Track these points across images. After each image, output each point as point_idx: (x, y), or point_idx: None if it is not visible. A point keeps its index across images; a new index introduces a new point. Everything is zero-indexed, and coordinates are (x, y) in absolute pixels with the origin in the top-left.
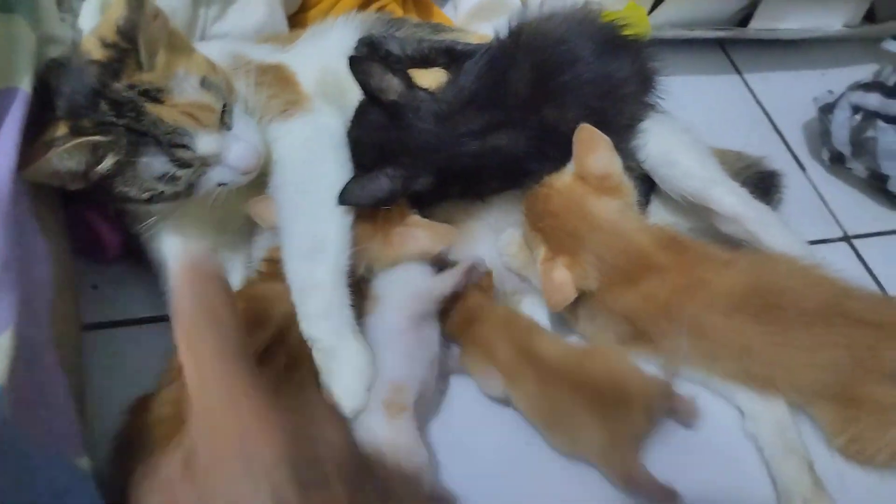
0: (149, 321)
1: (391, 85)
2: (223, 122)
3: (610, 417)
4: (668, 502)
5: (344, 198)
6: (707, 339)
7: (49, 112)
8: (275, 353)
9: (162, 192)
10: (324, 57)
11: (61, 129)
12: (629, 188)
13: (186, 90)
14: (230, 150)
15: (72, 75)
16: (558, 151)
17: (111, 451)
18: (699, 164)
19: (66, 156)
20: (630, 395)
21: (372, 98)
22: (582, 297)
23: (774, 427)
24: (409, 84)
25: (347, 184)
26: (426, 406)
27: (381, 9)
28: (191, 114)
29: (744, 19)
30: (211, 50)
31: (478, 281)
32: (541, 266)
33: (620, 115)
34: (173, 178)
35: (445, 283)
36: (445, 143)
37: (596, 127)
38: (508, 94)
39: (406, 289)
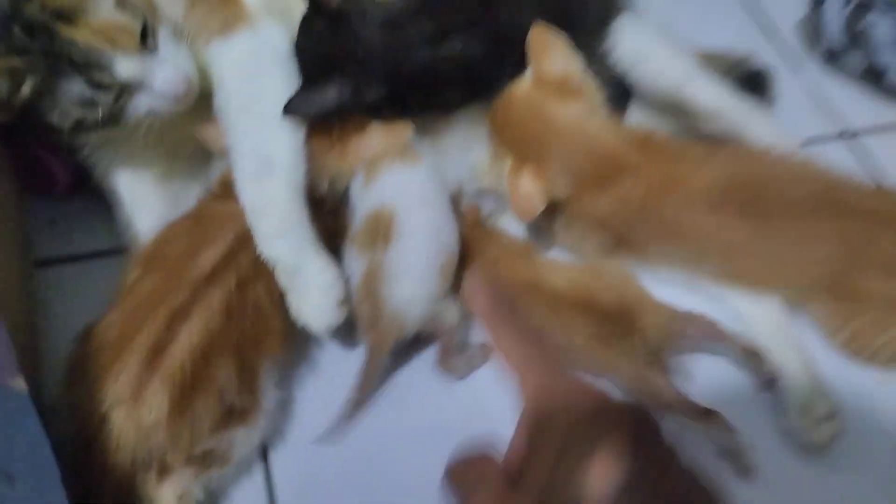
0: (105, 254)
1: None
2: (145, 44)
3: (625, 341)
4: (709, 421)
5: (289, 108)
6: (689, 238)
7: None
8: (225, 273)
9: (84, 119)
10: None
11: None
12: (593, 89)
13: (100, 11)
14: (155, 75)
15: None
16: (517, 56)
17: (63, 378)
18: (674, 58)
19: None
20: (640, 316)
21: (316, 7)
22: (557, 207)
23: (771, 327)
24: None
25: (293, 95)
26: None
27: None
28: (106, 35)
29: None
30: None
31: (464, 214)
32: (507, 178)
33: (585, 14)
34: (91, 102)
35: None
36: (395, 50)
37: (559, 29)
38: None
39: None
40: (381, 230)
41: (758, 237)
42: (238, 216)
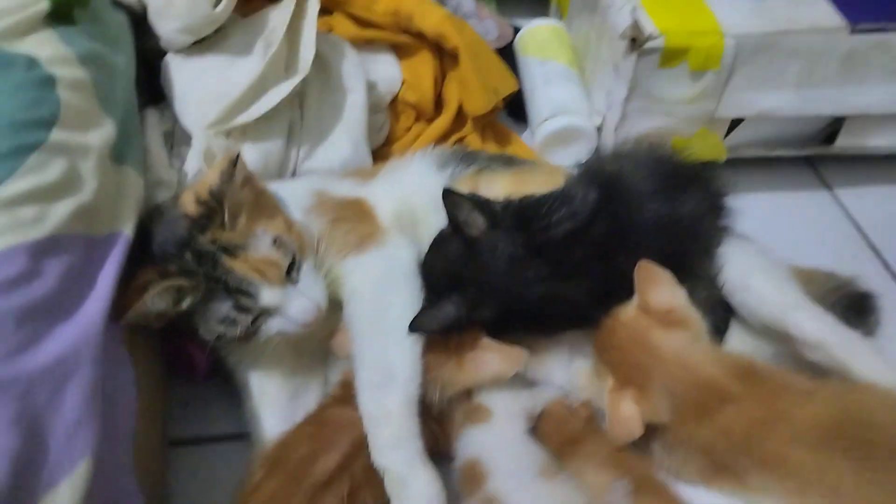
0: (233, 438)
1: (476, 222)
2: (290, 277)
3: None
4: None
5: (414, 326)
6: (791, 475)
7: (141, 252)
8: (340, 480)
9: (224, 334)
10: (401, 190)
11: (151, 274)
12: (697, 319)
13: (260, 248)
14: (291, 305)
15: (167, 224)
16: (625, 293)
17: None
18: (776, 288)
19: (157, 298)
20: None
21: (456, 229)
22: (656, 431)
23: None
24: (494, 223)
25: (417, 315)
26: None
27: (459, 140)
28: (259, 269)
29: (829, 136)
30: (297, 187)
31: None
32: (607, 397)
33: (695, 250)
34: (233, 322)
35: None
36: (512, 283)
37: (673, 266)
38: (583, 244)
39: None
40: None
41: (864, 482)
42: (356, 422)
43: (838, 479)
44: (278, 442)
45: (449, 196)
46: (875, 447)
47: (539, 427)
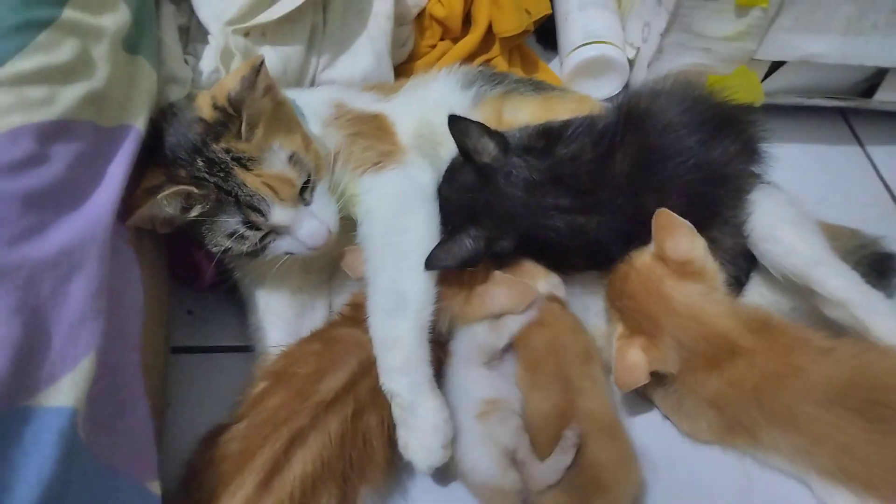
0: (234, 350)
1: (486, 147)
2: (303, 197)
3: None
4: None
5: (430, 263)
6: (802, 431)
7: (151, 154)
8: (345, 400)
9: (230, 248)
10: (423, 108)
11: (159, 177)
12: (714, 271)
13: (275, 163)
14: (302, 226)
15: (180, 127)
16: (648, 236)
17: (181, 480)
18: (803, 241)
19: (165, 202)
20: None
21: (466, 157)
22: (666, 381)
23: None
24: (505, 148)
25: (433, 249)
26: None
27: (486, 62)
28: (271, 185)
29: (868, 90)
30: (316, 96)
31: None
32: (615, 344)
33: (724, 195)
34: (241, 238)
35: (503, 333)
36: (531, 212)
37: (700, 209)
38: (607, 177)
39: (471, 342)
40: None
41: (875, 443)
42: (364, 343)
43: (850, 439)
44: (283, 354)
45: (455, 122)
46: (889, 409)
47: None
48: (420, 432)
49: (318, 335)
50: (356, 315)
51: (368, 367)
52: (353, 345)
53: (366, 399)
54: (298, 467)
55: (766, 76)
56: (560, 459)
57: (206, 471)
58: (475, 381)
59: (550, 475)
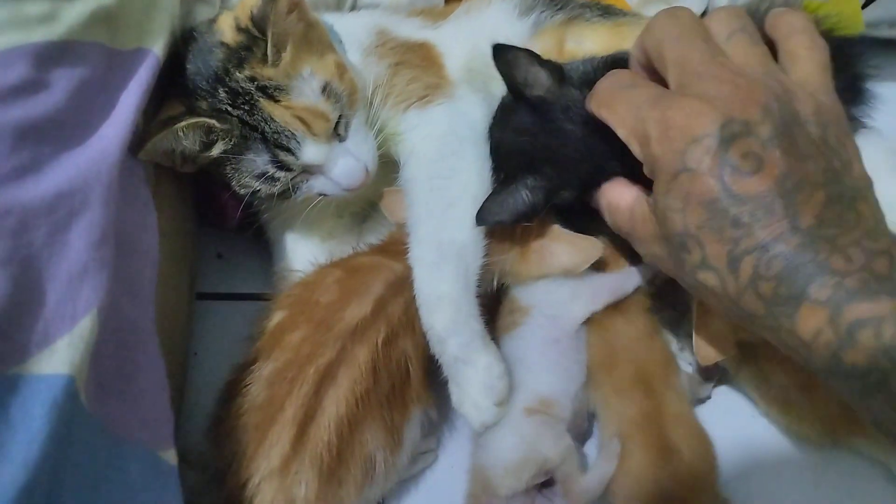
0: (267, 298)
1: (538, 78)
2: (337, 132)
3: None
4: None
5: (482, 217)
6: None
7: (171, 86)
8: (373, 327)
9: (259, 190)
10: (475, 38)
11: (178, 108)
12: None
13: (305, 93)
14: (336, 164)
15: (200, 53)
16: None
17: (205, 432)
18: None
19: (182, 134)
20: None
21: (517, 94)
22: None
23: None
24: (561, 79)
25: (485, 202)
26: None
27: None
28: (303, 119)
29: None
30: (356, 22)
31: None
32: (695, 312)
33: None
34: (272, 179)
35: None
36: (596, 153)
37: None
38: None
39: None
40: None
41: None
42: (391, 266)
43: None
44: (301, 282)
45: (501, 53)
46: None
47: None
48: (472, 389)
49: (339, 263)
50: (389, 248)
51: (400, 288)
52: (378, 268)
53: (398, 323)
54: (332, 410)
55: (865, 3)
56: (605, 471)
57: (233, 423)
58: (541, 368)
59: (595, 486)
